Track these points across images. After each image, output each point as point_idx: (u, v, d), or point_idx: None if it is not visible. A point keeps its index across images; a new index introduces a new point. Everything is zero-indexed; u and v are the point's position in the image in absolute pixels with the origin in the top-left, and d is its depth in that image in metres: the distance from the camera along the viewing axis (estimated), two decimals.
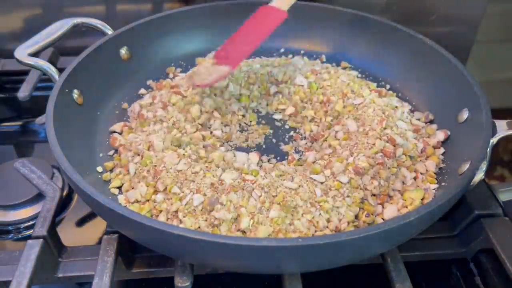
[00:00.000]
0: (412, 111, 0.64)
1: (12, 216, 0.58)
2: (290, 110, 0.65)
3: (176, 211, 0.48)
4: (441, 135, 0.58)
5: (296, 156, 0.58)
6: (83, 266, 0.51)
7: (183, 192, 0.49)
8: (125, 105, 0.65)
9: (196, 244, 0.38)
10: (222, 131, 0.61)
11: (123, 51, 0.67)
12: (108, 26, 0.68)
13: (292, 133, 0.62)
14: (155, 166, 0.52)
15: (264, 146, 0.60)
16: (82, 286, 0.54)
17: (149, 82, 0.69)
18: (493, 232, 0.51)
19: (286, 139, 0.62)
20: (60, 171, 0.63)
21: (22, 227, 0.59)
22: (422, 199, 0.51)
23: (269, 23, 0.61)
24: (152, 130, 0.57)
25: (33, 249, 0.47)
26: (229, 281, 0.54)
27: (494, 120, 0.52)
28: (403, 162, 0.54)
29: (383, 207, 0.51)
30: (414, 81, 0.66)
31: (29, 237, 0.49)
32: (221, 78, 0.60)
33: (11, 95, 0.78)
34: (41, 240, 0.48)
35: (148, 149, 0.54)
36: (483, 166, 0.50)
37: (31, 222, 0.58)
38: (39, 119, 0.61)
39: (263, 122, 0.64)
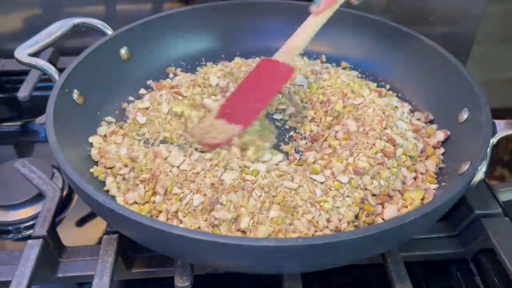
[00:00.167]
0: (412, 111, 0.64)
1: (12, 216, 0.58)
2: (290, 110, 0.64)
3: (176, 211, 0.48)
4: (441, 135, 0.58)
5: (297, 156, 0.58)
6: (83, 266, 0.51)
7: (183, 192, 0.49)
8: (125, 105, 0.65)
9: (196, 244, 0.38)
10: None
11: (123, 51, 0.67)
12: (108, 26, 0.68)
13: (292, 133, 0.62)
14: (152, 169, 0.52)
15: None
16: (82, 286, 0.54)
17: (149, 82, 0.69)
18: (493, 232, 0.51)
19: (286, 139, 0.62)
20: (60, 171, 0.63)
21: (22, 227, 0.59)
22: (422, 199, 0.51)
23: (279, 80, 0.59)
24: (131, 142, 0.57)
25: (33, 249, 0.47)
26: (229, 281, 0.54)
27: (494, 120, 0.52)
28: (403, 162, 0.54)
29: (383, 207, 0.51)
30: (414, 81, 0.66)
31: (29, 237, 0.49)
32: (232, 137, 0.56)
33: (11, 95, 0.78)
34: (41, 240, 0.48)
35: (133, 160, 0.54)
36: (483, 166, 0.50)
37: (31, 222, 0.58)
38: (39, 119, 0.61)
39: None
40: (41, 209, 0.52)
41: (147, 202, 0.50)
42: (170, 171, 0.52)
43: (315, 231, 0.47)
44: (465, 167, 0.49)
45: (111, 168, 0.54)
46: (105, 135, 0.59)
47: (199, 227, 0.47)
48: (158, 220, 0.46)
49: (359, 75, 0.70)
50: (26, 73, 0.73)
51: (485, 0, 0.86)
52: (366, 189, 0.51)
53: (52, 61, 0.72)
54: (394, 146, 0.55)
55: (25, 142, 0.76)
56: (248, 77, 0.60)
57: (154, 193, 0.51)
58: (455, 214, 0.55)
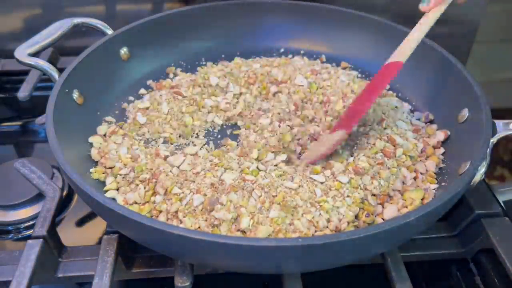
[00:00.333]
0: (412, 111, 0.64)
1: (12, 216, 0.58)
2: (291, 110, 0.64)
3: (176, 211, 0.48)
4: (441, 135, 0.58)
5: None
6: (83, 266, 0.51)
7: (183, 192, 0.49)
8: (125, 105, 0.65)
9: (196, 244, 0.38)
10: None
11: (123, 51, 0.67)
12: (108, 26, 0.68)
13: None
14: (152, 169, 0.52)
15: None
16: (82, 286, 0.54)
17: (149, 82, 0.69)
18: (493, 232, 0.51)
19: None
20: (60, 171, 0.63)
21: (22, 227, 0.59)
22: (422, 199, 0.51)
23: (385, 78, 0.57)
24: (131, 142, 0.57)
25: (33, 249, 0.47)
26: (229, 281, 0.54)
27: (494, 120, 0.52)
28: (403, 162, 0.54)
29: (383, 207, 0.51)
30: (414, 81, 0.66)
31: (29, 237, 0.49)
32: (338, 143, 0.55)
33: (11, 95, 0.78)
34: (41, 240, 0.48)
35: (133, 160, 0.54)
36: (483, 166, 0.50)
37: (31, 222, 0.58)
38: (39, 119, 0.61)
39: None
40: (41, 209, 0.52)
41: (147, 202, 0.50)
42: (170, 171, 0.52)
43: (315, 231, 0.47)
44: (465, 167, 0.49)
45: (111, 168, 0.54)
46: (105, 135, 0.59)
47: (199, 227, 0.47)
48: (158, 220, 0.46)
49: (359, 75, 0.70)
50: (26, 73, 0.73)
51: (485, 0, 0.86)
52: (366, 189, 0.51)
53: (52, 61, 0.72)
54: (394, 146, 0.55)
55: (25, 142, 0.76)
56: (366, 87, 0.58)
57: (154, 193, 0.51)
58: (455, 214, 0.55)
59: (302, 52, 0.75)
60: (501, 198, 0.56)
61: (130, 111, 0.64)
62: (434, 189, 0.52)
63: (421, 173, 0.54)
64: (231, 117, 0.64)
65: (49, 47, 0.63)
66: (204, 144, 0.59)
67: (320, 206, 0.48)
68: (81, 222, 0.60)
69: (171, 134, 0.59)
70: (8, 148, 0.74)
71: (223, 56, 0.74)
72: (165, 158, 0.54)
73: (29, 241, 0.48)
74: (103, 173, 0.54)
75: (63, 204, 0.61)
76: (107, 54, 0.64)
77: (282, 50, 0.76)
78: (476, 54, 0.93)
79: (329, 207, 0.48)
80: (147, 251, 0.52)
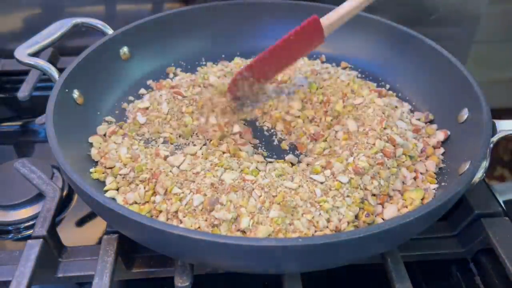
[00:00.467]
0: (412, 111, 0.64)
1: (12, 216, 0.58)
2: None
3: (176, 211, 0.48)
4: (441, 135, 0.58)
5: (295, 158, 0.58)
6: (83, 266, 0.51)
7: (183, 192, 0.49)
8: (125, 105, 0.65)
9: (196, 244, 0.38)
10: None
11: (123, 51, 0.67)
12: (108, 26, 0.68)
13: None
14: (152, 169, 0.52)
15: (264, 145, 0.60)
16: (82, 286, 0.54)
17: (149, 82, 0.69)
18: (493, 232, 0.51)
19: (286, 139, 0.62)
20: (60, 171, 0.63)
21: (22, 227, 0.59)
22: (422, 199, 0.51)
23: (308, 49, 0.61)
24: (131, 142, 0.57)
25: (33, 249, 0.47)
26: (229, 281, 0.54)
27: (494, 120, 0.52)
28: (403, 162, 0.54)
29: (383, 207, 0.51)
30: (414, 81, 0.66)
31: (29, 237, 0.49)
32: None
33: (11, 95, 0.78)
34: (41, 240, 0.48)
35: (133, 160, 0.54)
36: (483, 166, 0.50)
37: (31, 222, 0.58)
38: (39, 119, 0.61)
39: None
40: (41, 209, 0.52)
41: (147, 202, 0.50)
42: (170, 171, 0.52)
43: (315, 231, 0.47)
44: (465, 167, 0.49)
45: (111, 168, 0.54)
46: (105, 135, 0.59)
47: (199, 227, 0.47)
48: (158, 220, 0.46)
49: (359, 75, 0.70)
50: (26, 73, 0.74)
51: (485, 0, 0.86)
52: (366, 189, 0.51)
53: (52, 61, 0.72)
54: (394, 146, 0.55)
55: (25, 142, 0.76)
56: (289, 36, 0.59)
57: (154, 193, 0.51)
58: (455, 214, 0.55)
59: None
60: (501, 198, 0.56)
61: (130, 111, 0.64)
62: (434, 189, 0.52)
63: (421, 173, 0.54)
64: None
65: (49, 47, 0.63)
66: (204, 144, 0.59)
67: (320, 206, 0.48)
68: (81, 222, 0.60)
69: (171, 134, 0.59)
70: (8, 148, 0.74)
71: (223, 56, 0.74)
72: (165, 158, 0.54)
73: (29, 241, 0.48)
74: (103, 173, 0.54)
75: (63, 204, 0.61)
76: (107, 54, 0.64)
77: None
78: (476, 54, 0.93)
79: (329, 207, 0.48)
80: (147, 251, 0.52)
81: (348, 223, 0.48)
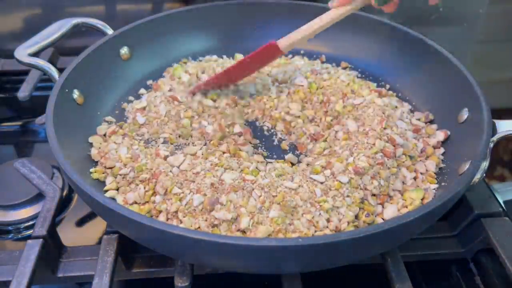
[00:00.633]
0: (412, 111, 0.64)
1: (12, 216, 0.58)
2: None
3: (176, 211, 0.48)
4: (441, 135, 0.58)
5: (296, 158, 0.58)
6: (83, 266, 0.51)
7: (183, 192, 0.49)
8: (125, 105, 0.65)
9: (196, 244, 0.38)
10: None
11: (123, 51, 0.67)
12: (108, 26, 0.68)
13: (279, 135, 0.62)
14: (152, 169, 0.52)
15: (264, 145, 0.60)
16: (82, 286, 0.54)
17: (149, 82, 0.69)
18: (493, 232, 0.51)
19: (286, 139, 0.62)
20: (60, 171, 0.63)
21: (22, 227, 0.59)
22: (422, 199, 0.51)
23: (267, 62, 0.65)
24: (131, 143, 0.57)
25: (33, 249, 0.47)
26: (229, 281, 0.54)
27: (494, 120, 0.52)
28: (403, 162, 0.54)
29: (383, 207, 0.51)
30: (414, 81, 0.66)
31: (29, 237, 0.49)
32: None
33: (11, 95, 0.78)
34: (41, 240, 0.48)
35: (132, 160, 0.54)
36: (483, 166, 0.50)
37: (31, 222, 0.58)
38: (39, 119, 0.61)
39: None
40: (41, 209, 0.52)
41: (147, 202, 0.50)
42: (170, 171, 0.52)
43: (315, 231, 0.47)
44: (465, 167, 0.49)
45: (111, 168, 0.54)
46: (105, 135, 0.59)
47: (199, 227, 0.47)
48: (158, 220, 0.46)
49: (359, 75, 0.70)
50: (26, 73, 0.74)
51: (485, 0, 0.86)
52: (366, 189, 0.51)
53: (52, 61, 0.72)
54: (394, 146, 0.55)
55: (25, 142, 0.76)
56: (247, 58, 0.63)
57: (154, 193, 0.51)
58: (455, 214, 0.55)
59: (302, 52, 0.75)
60: (501, 198, 0.56)
61: (129, 111, 0.64)
62: (434, 189, 0.52)
63: (421, 173, 0.54)
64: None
65: (49, 47, 0.63)
66: (204, 144, 0.59)
67: (320, 206, 0.48)
68: (81, 222, 0.60)
69: (171, 134, 0.59)
70: (8, 148, 0.74)
71: (223, 56, 0.74)
72: (165, 158, 0.54)
73: (29, 241, 0.48)
74: (103, 173, 0.54)
75: (63, 204, 0.61)
76: (107, 54, 0.64)
77: None
78: (476, 54, 0.93)
79: (329, 207, 0.48)
80: (147, 251, 0.52)
81: (348, 223, 0.48)
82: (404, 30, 0.68)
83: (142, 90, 0.68)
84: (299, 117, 0.63)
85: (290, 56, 0.75)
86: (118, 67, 0.67)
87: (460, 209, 0.55)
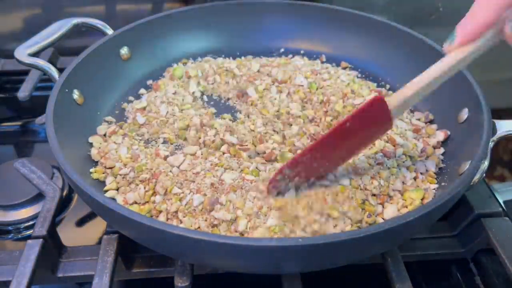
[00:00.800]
0: (412, 111, 0.64)
1: (12, 216, 0.58)
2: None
3: (176, 211, 0.48)
4: (441, 135, 0.58)
5: None
6: (83, 266, 0.51)
7: (183, 192, 0.49)
8: (125, 105, 0.65)
9: (196, 244, 0.38)
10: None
11: (123, 51, 0.67)
12: (108, 26, 0.68)
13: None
14: (152, 169, 0.52)
15: None
16: (82, 286, 0.54)
17: (149, 82, 0.69)
18: (493, 232, 0.51)
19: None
20: (60, 171, 0.63)
21: (22, 227, 0.59)
22: (422, 199, 0.51)
23: (374, 135, 0.48)
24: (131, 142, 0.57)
25: (33, 249, 0.47)
26: (229, 281, 0.54)
27: (494, 120, 0.52)
28: (403, 162, 0.54)
29: (383, 207, 0.51)
30: None
31: (29, 237, 0.49)
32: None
33: (11, 95, 0.78)
34: (41, 240, 0.48)
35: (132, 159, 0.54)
36: (483, 166, 0.50)
37: (31, 222, 0.58)
38: (39, 119, 0.61)
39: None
40: (41, 209, 0.52)
41: (147, 202, 0.50)
42: (170, 171, 0.52)
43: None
44: (465, 167, 0.49)
45: (111, 168, 0.54)
46: (105, 135, 0.59)
47: (199, 227, 0.47)
48: (158, 220, 0.46)
49: (359, 75, 0.70)
50: (26, 73, 0.74)
51: None
52: (366, 189, 0.51)
53: (52, 61, 0.72)
54: (394, 146, 0.55)
55: (25, 142, 0.76)
56: (344, 123, 0.45)
57: (154, 193, 0.51)
58: (455, 214, 0.55)
59: (302, 52, 0.75)
60: (501, 198, 0.56)
61: (129, 111, 0.64)
62: (434, 189, 0.52)
63: (421, 173, 0.54)
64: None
65: (49, 47, 0.63)
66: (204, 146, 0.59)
67: (328, 214, 0.46)
68: (81, 222, 0.60)
69: (170, 134, 0.59)
70: (8, 148, 0.74)
71: (223, 56, 0.74)
72: (165, 158, 0.54)
73: (29, 241, 0.48)
74: (103, 173, 0.54)
75: (63, 204, 0.61)
76: (107, 54, 0.64)
77: (282, 50, 0.76)
78: None
79: (337, 215, 0.46)
80: (147, 251, 0.52)
81: (352, 224, 0.47)
82: (404, 30, 0.68)
83: (142, 90, 0.68)
84: (299, 117, 0.63)
85: (290, 56, 0.75)
86: (118, 67, 0.67)
87: (460, 209, 0.55)
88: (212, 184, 0.49)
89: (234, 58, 0.74)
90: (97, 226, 0.58)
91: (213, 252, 0.40)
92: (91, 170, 0.54)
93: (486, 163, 0.50)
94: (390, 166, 0.53)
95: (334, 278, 0.53)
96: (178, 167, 0.53)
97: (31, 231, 0.50)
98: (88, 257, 0.51)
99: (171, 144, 0.58)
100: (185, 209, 0.48)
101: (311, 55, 0.75)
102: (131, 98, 0.66)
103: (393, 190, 0.52)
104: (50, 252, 0.50)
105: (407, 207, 0.50)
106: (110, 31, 0.68)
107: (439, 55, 0.62)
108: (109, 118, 0.62)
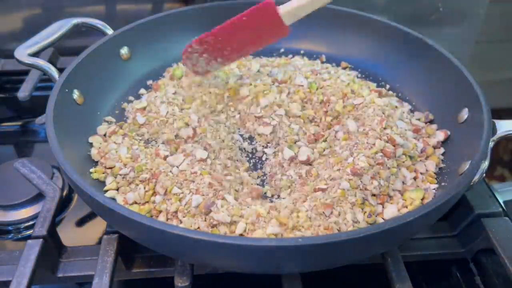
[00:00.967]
0: (412, 111, 0.64)
1: (12, 216, 0.58)
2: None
3: (176, 211, 0.48)
4: (441, 135, 0.58)
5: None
6: (83, 266, 0.51)
7: (182, 192, 0.49)
8: (125, 105, 0.65)
9: (196, 244, 0.38)
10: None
11: (123, 51, 0.67)
12: (108, 26, 0.68)
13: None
14: (152, 169, 0.52)
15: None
16: (82, 286, 0.54)
17: (149, 82, 0.69)
18: (493, 232, 0.51)
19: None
20: (60, 171, 0.63)
21: (22, 227, 0.59)
22: (422, 199, 0.51)
23: (268, 36, 0.60)
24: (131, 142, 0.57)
25: (33, 249, 0.47)
26: (229, 281, 0.54)
27: (494, 120, 0.52)
28: (403, 162, 0.54)
29: (383, 207, 0.51)
30: (414, 81, 0.66)
31: (29, 237, 0.49)
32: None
33: (11, 95, 0.78)
34: (41, 240, 0.48)
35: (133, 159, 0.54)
36: (483, 166, 0.50)
37: (31, 222, 0.58)
38: (39, 119, 0.61)
39: None
40: (41, 209, 0.52)
41: (147, 202, 0.50)
42: (170, 171, 0.52)
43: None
44: (465, 167, 0.49)
45: (111, 168, 0.54)
46: (105, 135, 0.59)
47: (198, 227, 0.47)
48: (158, 220, 0.46)
49: (359, 75, 0.70)
50: (26, 73, 0.74)
51: (485, 0, 0.86)
52: (366, 189, 0.51)
53: (52, 61, 0.72)
54: (394, 146, 0.55)
55: (25, 142, 0.76)
56: (241, 18, 0.58)
57: (154, 193, 0.51)
58: (455, 214, 0.55)
59: (302, 52, 0.75)
60: (501, 198, 0.56)
61: (129, 111, 0.64)
62: (434, 189, 0.52)
63: (421, 173, 0.54)
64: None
65: (49, 47, 0.63)
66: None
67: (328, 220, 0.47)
68: (81, 222, 0.60)
69: (170, 134, 0.59)
70: (8, 148, 0.74)
71: None
72: (165, 158, 0.54)
73: (29, 241, 0.48)
74: (103, 173, 0.54)
75: (63, 204, 0.61)
76: (107, 54, 0.64)
77: (282, 50, 0.76)
78: (476, 54, 0.93)
79: (337, 220, 0.47)
80: (147, 251, 0.52)
81: (352, 225, 0.47)
82: (404, 30, 0.68)
83: (142, 90, 0.68)
84: (299, 117, 0.63)
85: (290, 56, 0.75)
86: (118, 67, 0.67)
87: (460, 209, 0.55)
88: (210, 184, 0.49)
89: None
90: (97, 226, 0.58)
91: (213, 252, 0.40)
92: (91, 170, 0.54)
93: (486, 163, 0.50)
94: (390, 166, 0.53)
95: (334, 278, 0.53)
96: (178, 167, 0.53)
97: (31, 231, 0.50)
98: (88, 257, 0.51)
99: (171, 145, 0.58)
100: (185, 209, 0.48)
101: (311, 55, 0.75)
102: (131, 98, 0.66)
103: (393, 190, 0.52)
104: (50, 252, 0.50)
105: (407, 207, 0.50)
106: (110, 31, 0.68)
107: (439, 55, 0.62)
108: (109, 118, 0.62)
